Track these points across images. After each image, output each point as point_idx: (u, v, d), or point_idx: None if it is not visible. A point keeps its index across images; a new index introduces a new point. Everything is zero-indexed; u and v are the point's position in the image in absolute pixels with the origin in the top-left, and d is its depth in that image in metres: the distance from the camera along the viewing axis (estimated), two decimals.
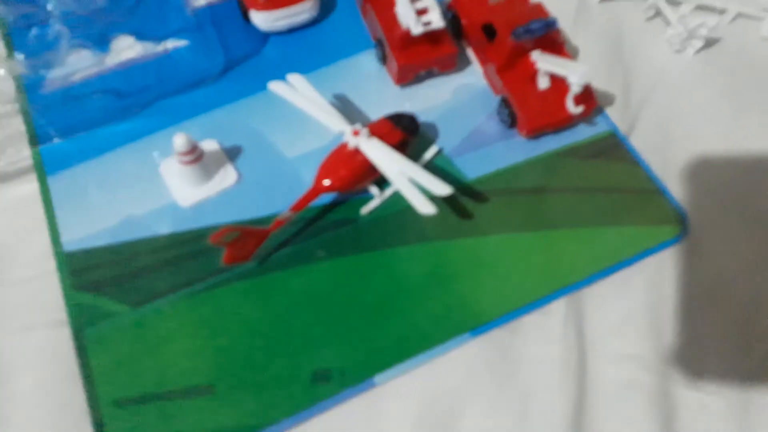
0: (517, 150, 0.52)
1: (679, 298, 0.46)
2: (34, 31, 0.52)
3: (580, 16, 0.61)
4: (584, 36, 0.59)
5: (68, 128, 0.50)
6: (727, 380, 0.43)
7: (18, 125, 0.51)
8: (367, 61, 0.56)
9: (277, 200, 0.46)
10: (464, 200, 0.49)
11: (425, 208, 0.43)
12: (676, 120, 0.55)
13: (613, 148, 0.52)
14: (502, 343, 0.44)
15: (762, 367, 0.44)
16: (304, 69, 0.52)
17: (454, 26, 0.57)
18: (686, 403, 0.43)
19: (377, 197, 0.48)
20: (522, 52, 0.51)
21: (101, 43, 0.54)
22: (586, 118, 0.53)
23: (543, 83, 0.51)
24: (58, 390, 0.41)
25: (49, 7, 0.52)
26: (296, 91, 0.49)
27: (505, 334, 0.44)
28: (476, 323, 0.44)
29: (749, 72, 0.57)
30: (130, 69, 0.53)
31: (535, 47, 0.51)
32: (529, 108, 0.50)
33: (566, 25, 0.60)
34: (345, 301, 0.44)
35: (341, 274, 0.45)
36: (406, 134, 0.48)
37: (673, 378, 0.43)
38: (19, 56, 0.52)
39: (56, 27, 0.51)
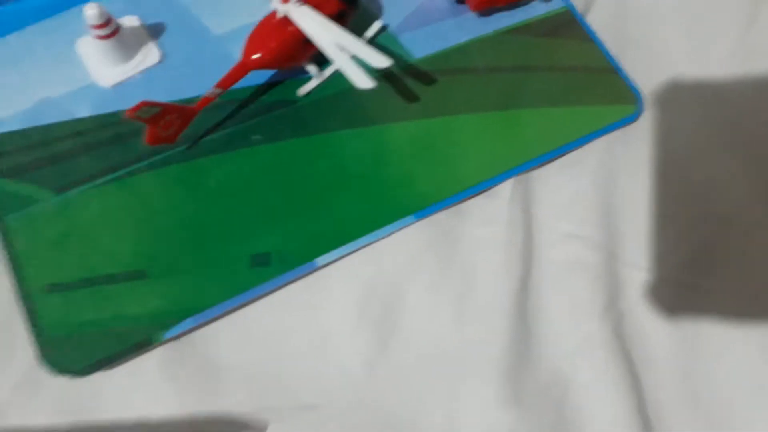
0: (467, 28, 0.49)
1: (630, 179, 0.45)
2: None
3: None
4: None
5: None
6: (670, 260, 0.43)
7: None
8: None
9: (205, 80, 0.43)
10: (409, 81, 0.46)
11: (363, 82, 0.40)
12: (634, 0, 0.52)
13: (568, 25, 0.50)
14: (446, 225, 0.43)
15: (704, 247, 0.44)
16: None
17: None
18: (630, 283, 0.43)
19: (316, 77, 0.45)
20: None
21: None
22: None
23: None
24: None
25: None
26: None
27: (449, 216, 0.43)
28: (420, 206, 0.43)
29: None
30: None
31: None
32: None
33: None
34: (283, 186, 0.42)
35: (279, 158, 0.43)
36: (344, 5, 0.44)
37: (618, 258, 0.43)
38: None
39: None
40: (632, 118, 0.47)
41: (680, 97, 0.48)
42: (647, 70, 0.49)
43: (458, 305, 0.41)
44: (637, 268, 0.43)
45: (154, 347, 0.39)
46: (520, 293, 0.42)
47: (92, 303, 0.39)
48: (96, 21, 0.40)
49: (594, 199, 0.45)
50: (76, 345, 0.38)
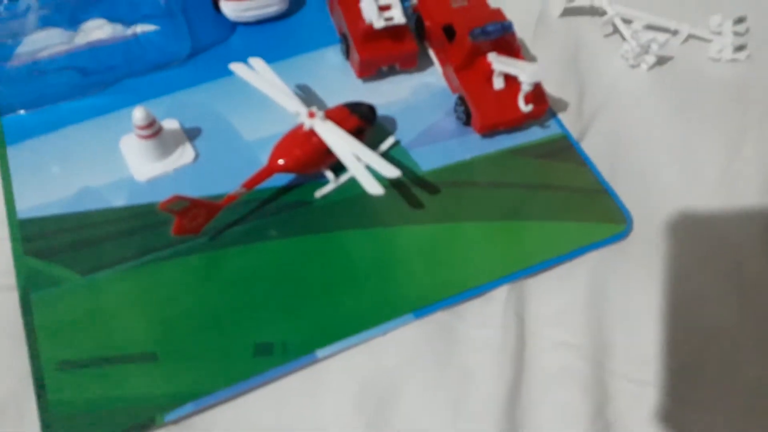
0: (471, 147, 0.54)
1: (620, 293, 0.48)
2: (10, 6, 0.53)
3: (539, 29, 0.63)
4: (543, 47, 0.62)
5: (32, 101, 0.51)
6: (658, 372, 0.45)
7: None
8: (332, 55, 0.57)
9: (232, 180, 0.47)
10: (416, 190, 0.51)
11: (374, 188, 0.44)
12: (627, 129, 0.57)
13: (564, 149, 0.55)
14: (444, 325, 0.45)
15: (693, 361, 0.45)
16: (269, 59, 0.53)
17: (419, 28, 0.59)
18: (619, 393, 0.44)
19: (332, 182, 0.49)
20: (479, 53, 0.53)
21: (72, 22, 0.55)
22: (539, 120, 0.55)
23: (498, 83, 0.53)
24: (1, 354, 0.41)
25: None
26: (257, 73, 0.51)
27: (447, 316, 0.45)
28: (419, 305, 0.45)
29: (697, 89, 0.61)
30: (97, 49, 0.54)
31: (492, 49, 0.54)
32: (483, 106, 0.52)
33: (526, 36, 0.62)
34: (292, 280, 0.45)
35: (291, 253, 0.46)
36: (363, 121, 0.49)
37: (607, 368, 0.45)
38: None
39: (35, 3, 0.52)
40: (622, 235, 0.50)
41: (668, 219, 0.52)
42: (638, 192, 0.53)
43: (452, 405, 0.42)
44: (626, 379, 0.44)
45: (155, 429, 0.40)
46: (511, 397, 0.43)
47: (100, 382, 0.40)
48: (142, 122, 0.45)
49: (585, 309, 0.47)
50: (79, 423, 0.39)
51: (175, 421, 0.40)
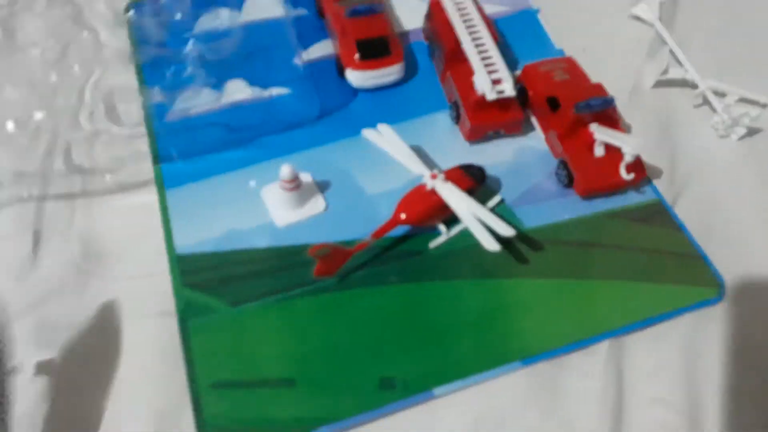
0: (571, 208, 0.58)
1: (712, 355, 0.50)
2: (170, 70, 0.62)
3: (633, 98, 0.67)
4: (637, 116, 0.66)
5: (186, 152, 0.59)
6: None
7: (142, 145, 0.60)
8: (442, 120, 0.64)
9: (357, 228, 0.53)
10: (520, 246, 0.55)
11: (491, 245, 0.49)
12: (718, 196, 0.60)
13: (659, 214, 0.58)
14: (548, 374, 0.49)
15: None
16: (387, 122, 0.60)
17: (522, 96, 0.64)
18: None
19: (444, 234, 0.55)
20: (582, 123, 0.58)
21: (218, 84, 0.64)
22: (635, 186, 0.59)
23: (599, 151, 0.58)
24: (163, 371, 0.48)
25: (186, 51, 0.63)
26: (383, 137, 0.57)
27: (552, 367, 0.49)
28: (526, 354, 0.49)
29: None
30: (240, 108, 0.62)
31: (593, 120, 0.58)
32: (585, 171, 0.57)
33: (621, 105, 0.66)
34: (411, 322, 0.50)
35: (409, 297, 0.52)
36: (475, 182, 0.55)
37: (701, 426, 0.47)
38: (154, 89, 0.62)
39: (191, 69, 0.61)
40: (715, 301, 0.53)
41: (759, 285, 0.54)
42: (729, 257, 0.55)
43: None
44: None
45: None
46: None
47: (248, 402, 0.46)
48: (288, 177, 0.52)
49: (679, 368, 0.49)
50: None
51: None
